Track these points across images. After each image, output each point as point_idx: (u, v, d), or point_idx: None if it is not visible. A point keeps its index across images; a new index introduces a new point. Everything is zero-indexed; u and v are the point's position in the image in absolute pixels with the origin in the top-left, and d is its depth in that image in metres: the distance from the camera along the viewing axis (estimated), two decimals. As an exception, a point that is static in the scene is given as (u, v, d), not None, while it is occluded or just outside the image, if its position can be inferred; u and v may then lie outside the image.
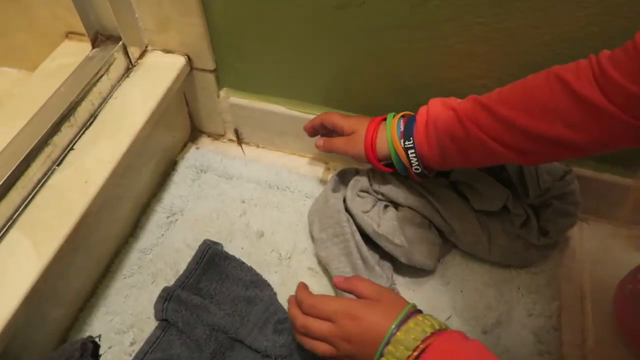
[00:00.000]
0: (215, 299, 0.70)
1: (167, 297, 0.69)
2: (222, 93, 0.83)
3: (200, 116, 0.88)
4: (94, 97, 0.68)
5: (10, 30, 0.85)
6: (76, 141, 0.65)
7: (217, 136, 0.91)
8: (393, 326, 0.47)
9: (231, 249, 0.75)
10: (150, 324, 0.68)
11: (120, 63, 0.72)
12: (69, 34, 0.80)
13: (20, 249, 0.55)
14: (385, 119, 0.66)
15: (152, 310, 0.69)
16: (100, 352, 0.63)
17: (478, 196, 0.71)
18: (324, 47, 0.70)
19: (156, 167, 0.82)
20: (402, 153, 0.62)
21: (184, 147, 0.89)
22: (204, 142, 0.91)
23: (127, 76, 0.74)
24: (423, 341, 0.45)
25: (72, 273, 0.65)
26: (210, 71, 0.79)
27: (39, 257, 0.54)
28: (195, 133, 0.91)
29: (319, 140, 0.73)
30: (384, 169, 0.67)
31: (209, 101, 0.84)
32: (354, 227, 0.70)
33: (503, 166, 0.71)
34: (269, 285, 0.71)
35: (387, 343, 0.47)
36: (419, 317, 0.48)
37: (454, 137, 0.56)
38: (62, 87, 0.67)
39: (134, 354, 0.64)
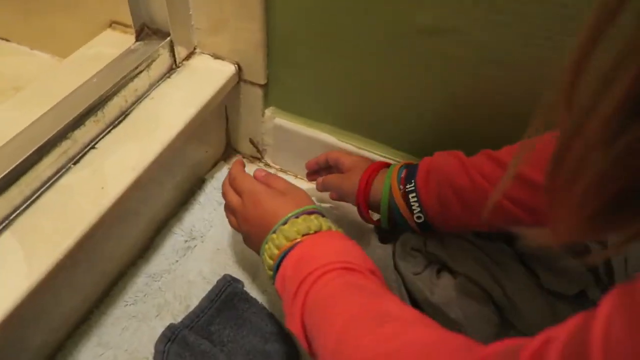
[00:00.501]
0: (227, 348, 0.58)
1: (171, 337, 0.58)
2: (268, 112, 0.74)
3: (239, 134, 0.79)
4: (128, 93, 0.59)
5: (49, 10, 0.78)
6: (100, 139, 0.56)
7: (252, 158, 0.82)
8: (284, 218, 0.49)
9: (253, 289, 0.65)
10: (146, 368, 0.57)
11: (163, 61, 0.64)
12: (113, 24, 0.72)
13: (9, 259, 0.45)
14: (388, 166, 0.60)
15: (152, 350, 0.58)
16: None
17: (552, 274, 0.60)
18: (394, 77, 0.61)
19: (181, 184, 0.72)
20: (401, 202, 0.56)
21: (214, 165, 0.80)
22: (238, 163, 0.82)
23: (169, 77, 0.65)
24: (303, 236, 0.48)
25: (66, 293, 0.55)
26: (260, 85, 0.70)
27: (29, 273, 0.44)
28: (229, 151, 0.82)
29: (319, 179, 0.67)
30: (368, 218, 0.61)
31: (251, 119, 0.75)
32: (404, 291, 0.59)
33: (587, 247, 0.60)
34: (292, 342, 0.60)
35: (274, 232, 0.49)
36: (311, 216, 0.50)
37: (457, 187, 0.51)
38: (95, 77, 0.58)
39: (121, 403, 0.53)
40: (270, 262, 0.49)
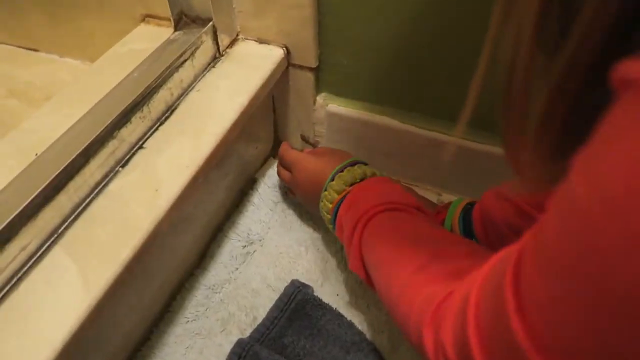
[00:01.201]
0: (305, 362, 0.52)
1: (241, 354, 0.51)
2: (320, 99, 0.67)
3: (288, 126, 0.73)
4: (173, 86, 0.53)
5: (75, 13, 0.73)
6: (148, 137, 0.50)
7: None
8: (331, 175, 0.54)
9: (323, 294, 0.58)
10: (217, 390, 0.51)
11: (207, 49, 0.58)
12: (146, 17, 0.67)
13: (63, 276, 0.39)
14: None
15: (221, 370, 0.52)
16: None
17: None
18: (468, 48, 0.53)
19: (233, 184, 0.66)
20: None
21: (264, 162, 0.73)
22: (288, 158, 0.75)
23: (213, 66, 0.59)
24: (350, 185, 0.52)
25: (123, 312, 0.49)
26: (310, 69, 0.64)
27: (86, 291, 0.38)
28: (278, 147, 0.76)
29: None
30: None
31: (302, 107, 0.69)
32: None
33: None
34: (375, 351, 0.53)
35: (325, 189, 0.54)
36: (355, 167, 0.54)
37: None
38: (136, 71, 0.53)
39: None
40: (328, 216, 0.53)
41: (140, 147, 0.49)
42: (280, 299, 0.56)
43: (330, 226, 0.54)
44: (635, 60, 0.17)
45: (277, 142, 0.76)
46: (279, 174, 0.65)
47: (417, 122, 0.63)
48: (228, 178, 0.64)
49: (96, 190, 0.45)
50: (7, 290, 0.39)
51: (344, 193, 0.52)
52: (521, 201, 0.46)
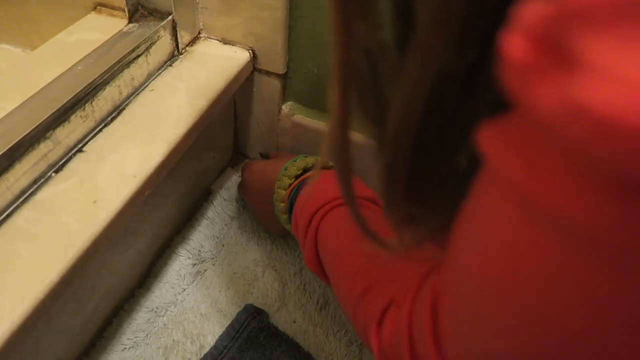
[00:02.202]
0: (255, 400, 0.47)
1: (184, 389, 0.46)
2: (285, 108, 0.63)
3: (249, 135, 0.68)
4: (123, 83, 0.47)
5: (19, -5, 0.65)
6: (89, 140, 0.44)
7: (264, 165, 0.70)
8: (285, 166, 0.51)
9: (279, 321, 0.53)
10: None
11: (164, 45, 0.52)
12: (98, 6, 0.60)
13: (-30, 302, 0.33)
14: None
15: (159, 408, 0.46)
16: None
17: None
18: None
19: (185, 195, 0.60)
20: None
21: (221, 173, 0.68)
22: (247, 170, 0.70)
23: (170, 65, 0.54)
24: (304, 171, 0.50)
25: (46, 340, 0.42)
26: (278, 76, 0.59)
27: (8, 317, 0.32)
28: (237, 157, 0.71)
29: None
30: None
31: (266, 116, 0.64)
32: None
33: None
34: (334, 387, 0.48)
35: (279, 180, 0.51)
36: (307, 157, 0.52)
37: None
38: (81, 63, 0.46)
39: None
40: (282, 205, 0.50)
41: (79, 151, 0.43)
42: (231, 326, 0.51)
43: (285, 217, 0.51)
44: (489, 128, 0.17)
45: (236, 152, 0.70)
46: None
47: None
48: (180, 189, 0.58)
49: (21, 199, 0.38)
50: None
51: (298, 181, 0.50)
52: None
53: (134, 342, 0.50)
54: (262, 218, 0.58)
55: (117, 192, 0.40)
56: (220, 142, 0.66)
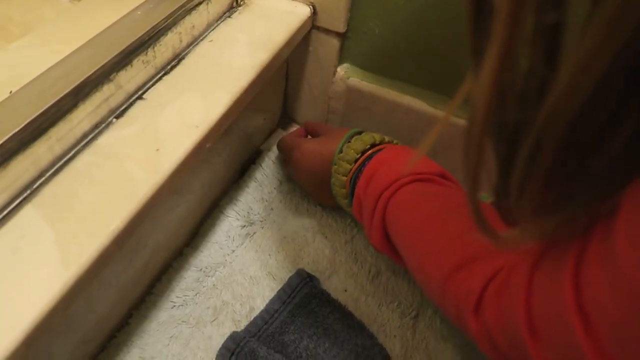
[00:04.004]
0: (307, 366, 0.45)
1: (235, 350, 0.44)
2: (341, 71, 0.60)
3: (300, 97, 0.65)
4: (183, 31, 0.45)
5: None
6: (149, 87, 0.42)
7: (313, 130, 0.68)
8: (338, 148, 0.49)
9: (329, 289, 0.51)
10: (205, 390, 0.43)
11: (224, -5, 0.50)
12: (153, -46, 0.58)
13: (36, 243, 0.31)
14: None
15: (209, 367, 0.44)
16: None
17: None
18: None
19: (235, 156, 0.58)
20: None
21: (270, 134, 0.66)
22: (295, 134, 0.68)
23: (229, 16, 0.51)
24: (362, 153, 0.47)
25: (100, 293, 0.41)
26: (337, 34, 0.56)
27: (66, 264, 0.30)
28: (285, 120, 0.68)
29: None
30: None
31: (319, 78, 0.61)
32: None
33: None
34: (387, 357, 0.47)
35: (335, 163, 0.49)
36: (361, 135, 0.49)
37: None
38: (140, 8, 0.44)
39: None
40: (344, 190, 0.48)
41: (140, 98, 0.41)
42: (283, 290, 0.49)
43: (346, 201, 0.49)
44: None
45: (285, 114, 0.68)
46: (284, 168, 0.60)
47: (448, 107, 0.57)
48: (231, 147, 0.56)
49: (83, 142, 0.37)
50: (-39, 255, 0.30)
51: (358, 164, 0.47)
52: None
53: (183, 301, 0.49)
54: (317, 195, 0.56)
55: (180, 142, 0.38)
56: (272, 102, 0.64)
